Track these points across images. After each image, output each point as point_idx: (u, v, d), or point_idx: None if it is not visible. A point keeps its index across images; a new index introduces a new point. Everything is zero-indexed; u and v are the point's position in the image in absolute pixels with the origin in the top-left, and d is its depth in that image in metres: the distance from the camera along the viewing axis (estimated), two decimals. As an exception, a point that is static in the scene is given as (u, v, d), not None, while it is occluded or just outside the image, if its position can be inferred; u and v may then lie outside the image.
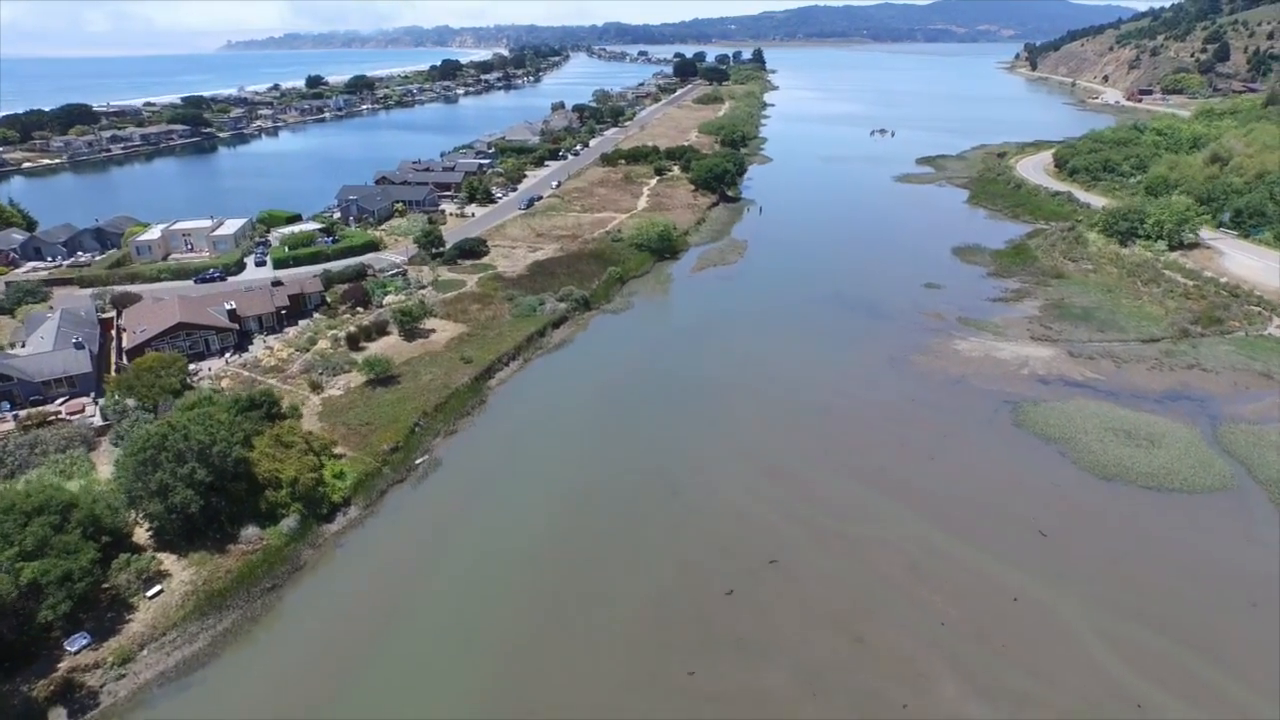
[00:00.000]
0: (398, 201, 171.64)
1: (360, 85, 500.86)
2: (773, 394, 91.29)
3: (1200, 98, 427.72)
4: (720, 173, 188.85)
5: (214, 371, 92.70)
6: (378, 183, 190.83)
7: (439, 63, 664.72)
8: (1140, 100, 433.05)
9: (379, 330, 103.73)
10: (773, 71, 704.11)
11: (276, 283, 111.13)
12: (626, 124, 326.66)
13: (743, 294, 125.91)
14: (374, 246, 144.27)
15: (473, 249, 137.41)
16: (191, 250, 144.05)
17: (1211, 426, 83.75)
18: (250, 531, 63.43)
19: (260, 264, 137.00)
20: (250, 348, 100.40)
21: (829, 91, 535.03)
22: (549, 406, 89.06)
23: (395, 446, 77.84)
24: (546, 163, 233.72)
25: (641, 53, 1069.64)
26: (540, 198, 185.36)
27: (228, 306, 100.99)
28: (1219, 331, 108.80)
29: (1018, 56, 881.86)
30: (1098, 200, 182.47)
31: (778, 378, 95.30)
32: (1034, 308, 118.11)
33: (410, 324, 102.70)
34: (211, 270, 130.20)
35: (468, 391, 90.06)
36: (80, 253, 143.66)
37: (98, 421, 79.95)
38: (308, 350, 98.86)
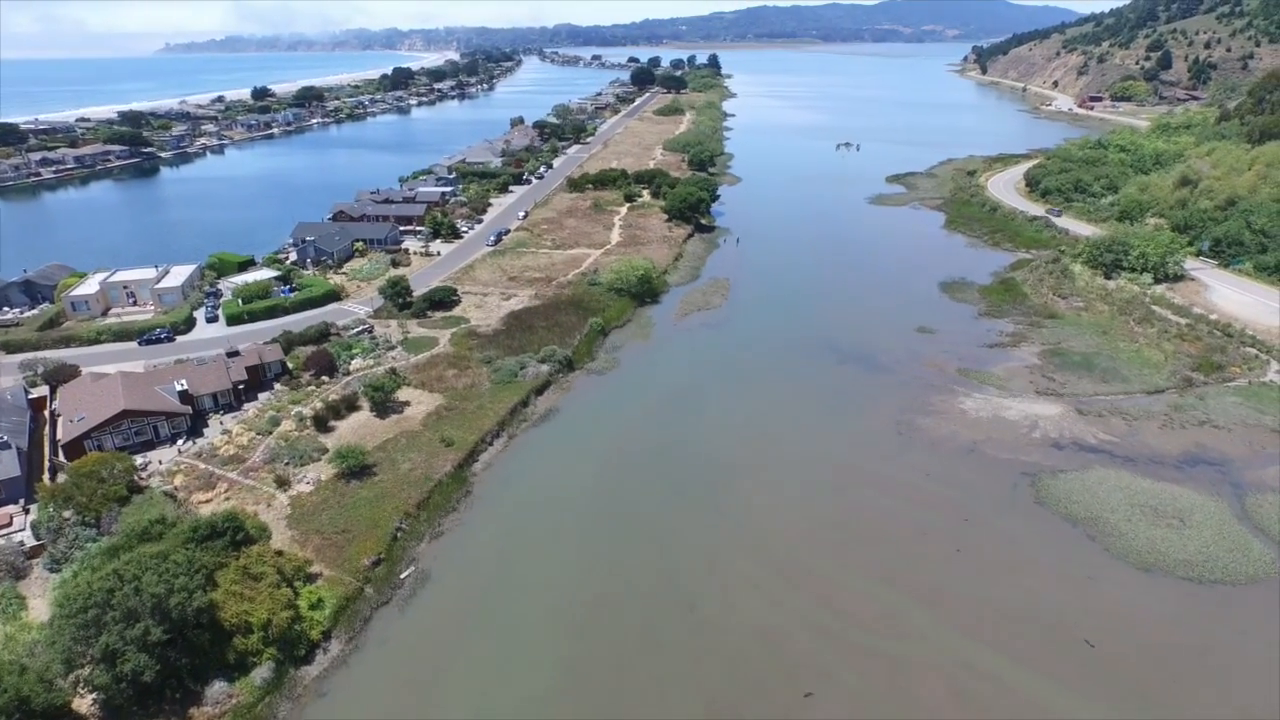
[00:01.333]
0: (358, 240, 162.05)
1: (309, 97, 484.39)
2: (779, 473, 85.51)
3: (1148, 105, 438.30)
4: (694, 202, 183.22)
5: (165, 465, 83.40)
6: (335, 218, 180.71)
7: (389, 70, 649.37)
8: (1092, 108, 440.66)
9: (349, 405, 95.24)
10: (728, 76, 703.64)
11: (232, 353, 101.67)
12: (588, 140, 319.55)
13: (732, 345, 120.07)
14: (335, 296, 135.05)
15: (443, 299, 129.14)
16: (134, 304, 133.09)
17: (1237, 497, 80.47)
18: (217, 689, 55.29)
19: (211, 319, 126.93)
20: (205, 431, 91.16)
21: (787, 99, 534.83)
22: (541, 497, 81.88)
23: (377, 559, 69.97)
24: (511, 188, 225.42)
25: (595, 57, 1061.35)
26: (508, 231, 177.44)
27: (178, 386, 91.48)
28: (1221, 379, 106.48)
29: (966, 59, 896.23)
30: (1075, 224, 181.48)
31: (782, 451, 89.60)
32: (1032, 354, 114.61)
33: (383, 399, 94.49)
34: (158, 330, 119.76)
35: (451, 482, 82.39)
36: (6, 308, 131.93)
37: (29, 540, 70.50)
38: (270, 433, 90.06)
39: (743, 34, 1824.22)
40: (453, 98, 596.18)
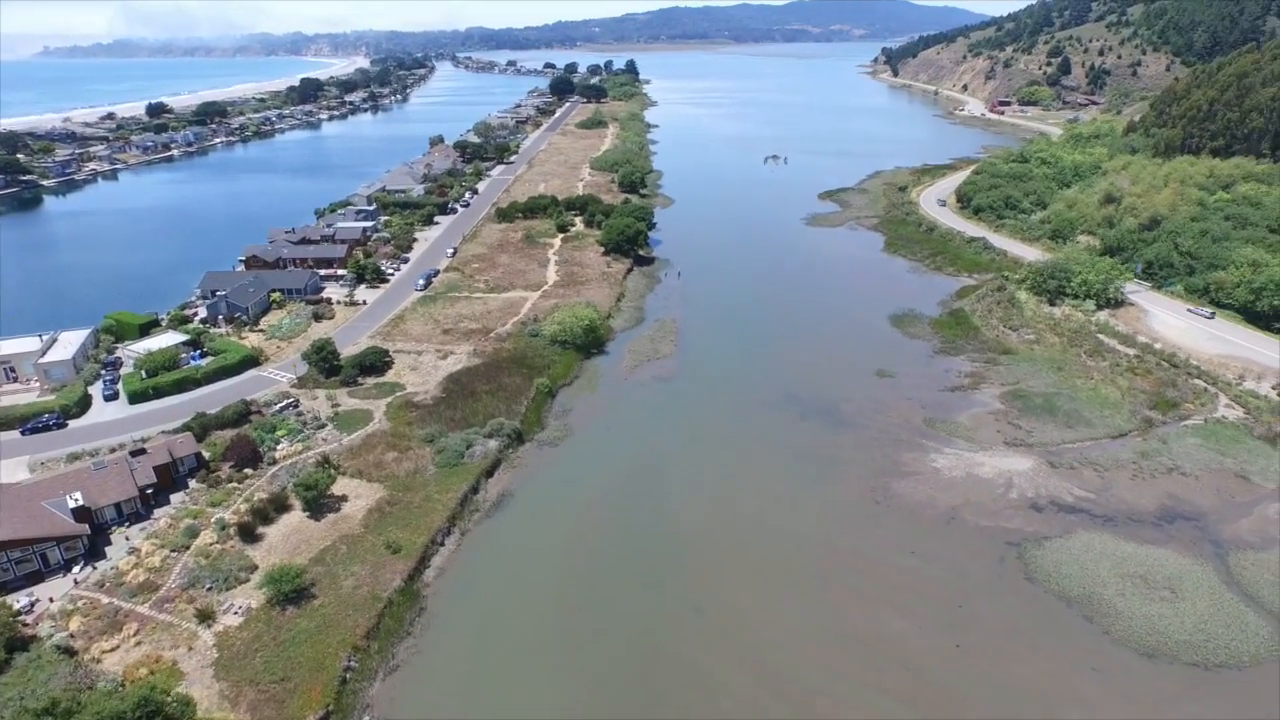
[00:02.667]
0: (275, 290, 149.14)
1: (211, 113, 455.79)
2: (759, 560, 79.96)
3: (1053, 109, 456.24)
4: (632, 234, 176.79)
5: (58, 604, 71.60)
6: (247, 264, 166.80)
7: (297, 81, 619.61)
8: (1002, 112, 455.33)
9: (278, 506, 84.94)
10: (646, 82, 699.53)
11: (137, 450, 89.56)
12: (512, 159, 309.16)
13: (688, 401, 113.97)
14: (253, 361, 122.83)
15: (374, 363, 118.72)
16: (14, 380, 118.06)
17: (1220, 557, 79.40)
18: None
19: (110, 396, 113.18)
20: (108, 551, 79.52)
21: (709, 107, 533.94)
22: (503, 608, 73.90)
23: (325, 714, 60.94)
24: (436, 219, 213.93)
25: (510, 63, 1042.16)
26: (437, 272, 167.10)
27: (72, 502, 79.46)
28: (1178, 417, 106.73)
29: (877, 60, 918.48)
30: (1011, 244, 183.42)
31: (759, 533, 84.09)
32: (994, 397, 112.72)
33: (316, 497, 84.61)
34: (45, 415, 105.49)
35: (402, 599, 73.58)
36: None
37: (-107, 726, 58.59)
38: (187, 547, 79.21)
39: (656, 35, 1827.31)
40: (365, 110, 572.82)
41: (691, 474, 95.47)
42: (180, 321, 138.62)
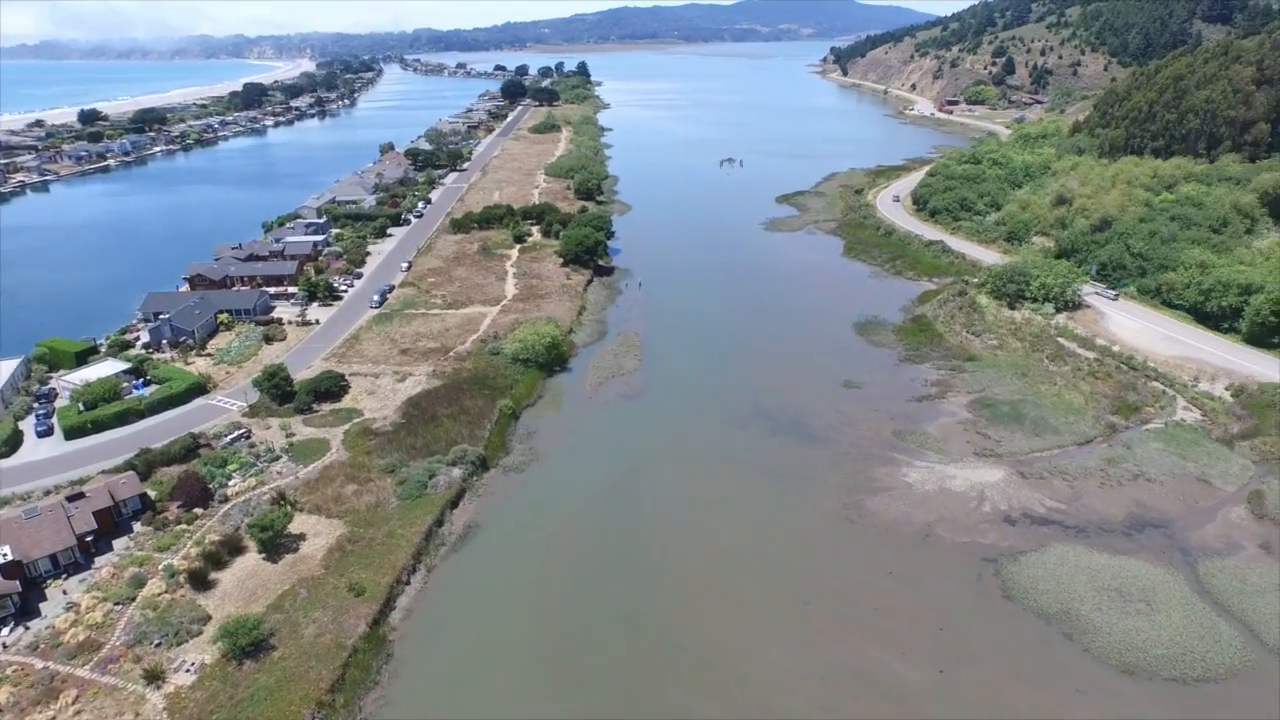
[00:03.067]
0: (222, 311, 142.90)
1: (149, 120, 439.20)
2: (734, 584, 78.35)
3: (999, 108, 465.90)
4: (591, 245, 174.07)
5: (-10, 670, 66.62)
6: (192, 284, 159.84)
7: (240, 86, 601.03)
8: (950, 112, 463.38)
9: (231, 548, 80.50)
10: (598, 84, 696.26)
11: (75, 495, 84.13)
12: (465, 166, 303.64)
13: (655, 419, 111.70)
14: (201, 388, 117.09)
15: (329, 388, 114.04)
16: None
17: (1189, 565, 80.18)
18: None
19: (44, 433, 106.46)
20: (43, 607, 74.24)
21: (662, 109, 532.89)
22: (474, 651, 70.84)
23: (285, 781, 57.37)
24: (389, 231, 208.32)
25: (460, 65, 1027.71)
26: (392, 288, 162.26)
27: (0, 557, 73.99)
28: (1140, 421, 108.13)
29: (826, 60, 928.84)
30: (968, 247, 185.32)
31: (734, 558, 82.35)
32: (962, 406, 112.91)
33: (272, 538, 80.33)
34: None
35: (368, 646, 69.99)
36: None
37: None
38: (133, 599, 74.42)
39: (606, 36, 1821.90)
40: (312, 116, 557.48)
41: (662, 497, 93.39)
42: (120, 347, 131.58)
